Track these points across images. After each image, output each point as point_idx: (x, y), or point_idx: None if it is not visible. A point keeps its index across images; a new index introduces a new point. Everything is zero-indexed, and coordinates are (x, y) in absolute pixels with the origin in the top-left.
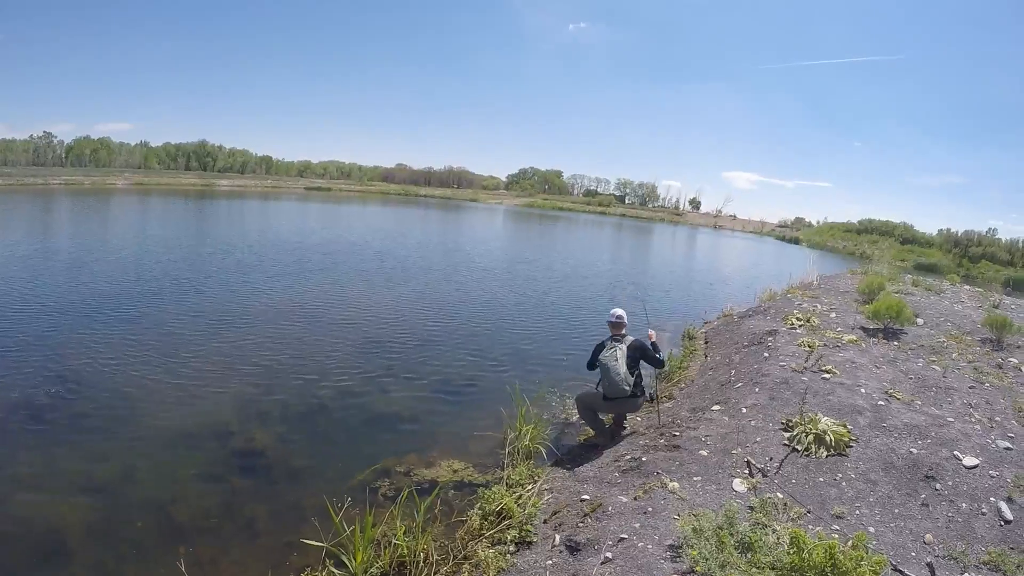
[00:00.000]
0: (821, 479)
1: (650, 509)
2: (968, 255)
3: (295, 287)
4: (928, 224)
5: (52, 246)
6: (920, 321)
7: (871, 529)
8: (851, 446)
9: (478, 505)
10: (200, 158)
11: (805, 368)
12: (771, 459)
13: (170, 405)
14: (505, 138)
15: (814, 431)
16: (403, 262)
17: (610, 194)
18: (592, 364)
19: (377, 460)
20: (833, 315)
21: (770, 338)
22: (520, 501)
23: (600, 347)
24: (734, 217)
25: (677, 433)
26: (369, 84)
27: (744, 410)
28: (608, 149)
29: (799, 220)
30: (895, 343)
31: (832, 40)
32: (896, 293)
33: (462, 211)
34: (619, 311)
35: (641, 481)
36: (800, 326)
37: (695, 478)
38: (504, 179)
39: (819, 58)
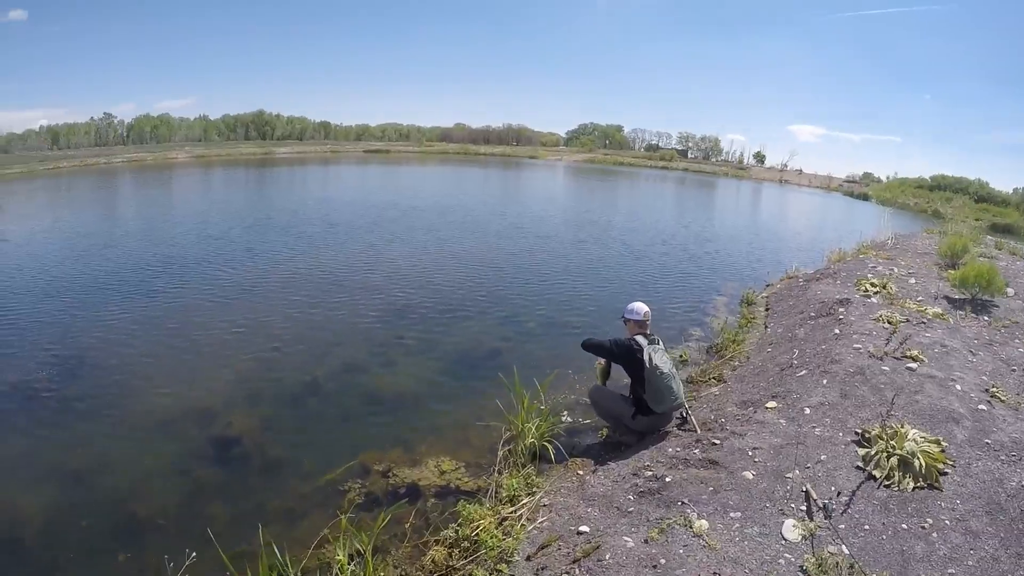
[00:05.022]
0: (904, 526)
1: (662, 561)
2: None
3: (327, 252)
4: (1002, 181)
5: (91, 226)
6: (1010, 291)
7: None
8: (946, 473)
9: (452, 527)
10: (259, 127)
11: (885, 354)
12: (839, 493)
13: (163, 386)
14: (564, 94)
15: (899, 451)
16: (448, 224)
17: (672, 148)
18: (602, 350)
19: (356, 454)
20: (912, 281)
21: (841, 309)
22: (505, 524)
23: (631, 345)
24: (800, 172)
25: (717, 441)
26: (424, 45)
27: (807, 411)
28: (669, 103)
29: (867, 175)
30: (986, 318)
31: None
32: (980, 257)
33: (521, 168)
34: (644, 307)
35: (659, 514)
36: (875, 294)
37: (732, 514)
38: (564, 135)
39: (881, 7)
